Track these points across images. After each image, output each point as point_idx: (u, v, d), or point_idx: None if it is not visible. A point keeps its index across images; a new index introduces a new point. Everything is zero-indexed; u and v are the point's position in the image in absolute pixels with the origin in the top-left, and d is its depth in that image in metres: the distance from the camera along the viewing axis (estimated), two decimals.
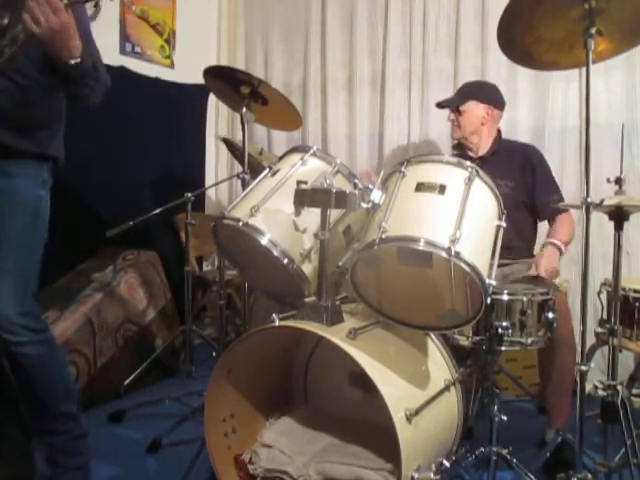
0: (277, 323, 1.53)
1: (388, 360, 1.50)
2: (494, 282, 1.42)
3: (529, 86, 2.91)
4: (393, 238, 1.41)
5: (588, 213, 1.50)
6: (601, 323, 2.03)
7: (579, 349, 1.71)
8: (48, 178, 1.65)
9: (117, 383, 2.58)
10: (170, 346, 2.85)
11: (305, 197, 1.52)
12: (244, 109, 2.16)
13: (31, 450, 1.78)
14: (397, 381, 1.48)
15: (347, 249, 1.70)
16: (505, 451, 1.74)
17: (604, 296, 2.04)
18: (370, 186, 1.51)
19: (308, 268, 1.64)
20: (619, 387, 1.60)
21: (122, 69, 3.08)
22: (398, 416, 1.36)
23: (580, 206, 1.51)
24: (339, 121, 3.38)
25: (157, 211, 2.53)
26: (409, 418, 1.39)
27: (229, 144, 2.97)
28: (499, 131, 2.43)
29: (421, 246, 1.38)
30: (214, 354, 2.71)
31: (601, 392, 1.61)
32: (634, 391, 2.35)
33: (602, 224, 2.43)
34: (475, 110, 2.34)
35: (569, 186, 2.76)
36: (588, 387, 1.56)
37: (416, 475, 1.37)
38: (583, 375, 1.52)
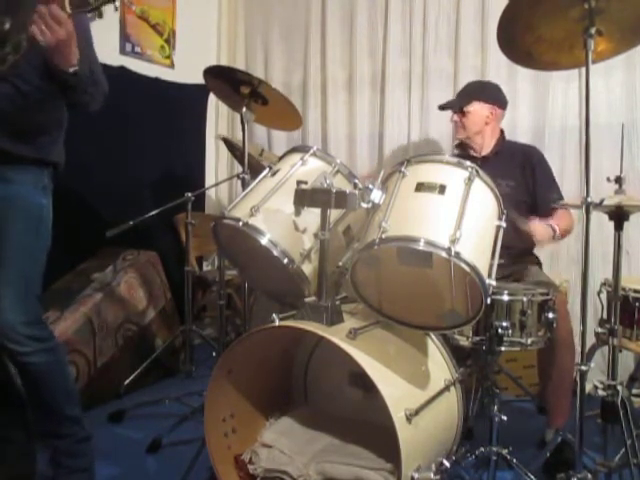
0: (277, 323, 1.53)
1: (388, 360, 1.50)
2: (494, 282, 1.42)
3: (529, 86, 2.91)
4: (393, 238, 1.41)
5: (588, 213, 1.50)
6: (601, 323, 2.03)
7: (579, 349, 1.71)
8: (49, 184, 1.65)
9: (117, 383, 2.58)
10: (170, 346, 2.85)
11: (305, 197, 1.52)
12: (244, 109, 2.16)
13: (32, 452, 1.78)
14: (397, 381, 1.48)
15: (347, 249, 1.70)
16: (505, 451, 1.74)
17: (604, 296, 2.04)
18: (370, 186, 1.51)
19: (308, 268, 1.64)
20: (619, 387, 1.60)
21: (122, 69, 3.08)
22: (398, 416, 1.36)
23: (580, 206, 1.51)
24: (339, 121, 3.38)
25: (157, 211, 2.54)
26: (409, 418, 1.39)
27: (229, 144, 2.97)
28: (502, 131, 2.43)
29: (421, 246, 1.38)
30: (214, 354, 2.71)
31: (601, 392, 1.61)
32: (634, 391, 2.35)
33: (602, 224, 2.43)
34: (479, 111, 2.34)
35: (569, 186, 2.76)
36: (588, 387, 1.56)
37: (416, 475, 1.37)
38: (583, 375, 1.52)
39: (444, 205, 1.48)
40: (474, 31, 3.00)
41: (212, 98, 3.56)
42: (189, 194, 2.61)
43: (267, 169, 1.79)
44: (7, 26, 1.40)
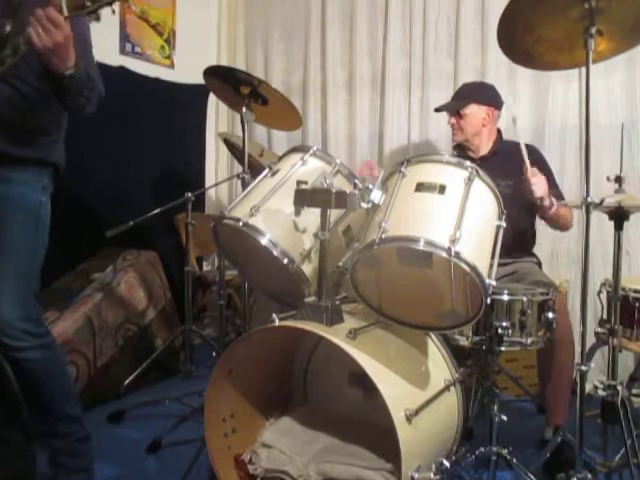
0: (277, 323, 1.53)
1: (388, 360, 1.50)
2: (494, 282, 1.42)
3: (529, 86, 2.90)
4: (393, 238, 1.41)
5: (588, 213, 1.50)
6: (601, 323, 2.03)
7: (579, 349, 1.71)
8: (48, 184, 1.65)
9: (117, 383, 2.57)
10: (170, 346, 2.84)
11: (305, 197, 1.52)
12: (244, 109, 2.16)
13: (31, 452, 1.78)
14: (397, 381, 1.48)
15: (347, 249, 1.70)
16: (505, 451, 1.74)
17: (604, 296, 2.04)
18: (370, 186, 1.51)
19: (308, 268, 1.64)
20: (619, 387, 1.60)
21: (122, 69, 3.08)
22: (398, 416, 1.36)
23: (580, 206, 1.51)
24: (339, 121, 3.38)
25: (157, 211, 2.54)
26: (409, 418, 1.39)
27: (229, 144, 2.97)
28: (499, 131, 2.43)
29: (421, 246, 1.38)
30: (214, 354, 2.71)
31: (601, 392, 1.61)
32: (634, 391, 2.35)
33: (602, 224, 2.44)
34: (477, 112, 2.33)
35: (569, 186, 2.76)
36: (588, 387, 1.56)
37: (416, 475, 1.37)
38: (583, 375, 1.52)
39: (444, 205, 1.48)
40: (474, 31, 3.00)
41: (212, 98, 3.56)
42: (189, 194, 2.61)
43: (267, 169, 1.79)
44: (7, 29, 1.40)
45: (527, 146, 2.43)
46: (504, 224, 1.57)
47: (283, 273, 1.63)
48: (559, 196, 2.23)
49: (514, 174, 2.27)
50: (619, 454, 1.66)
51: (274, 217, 1.63)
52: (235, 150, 2.91)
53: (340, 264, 1.66)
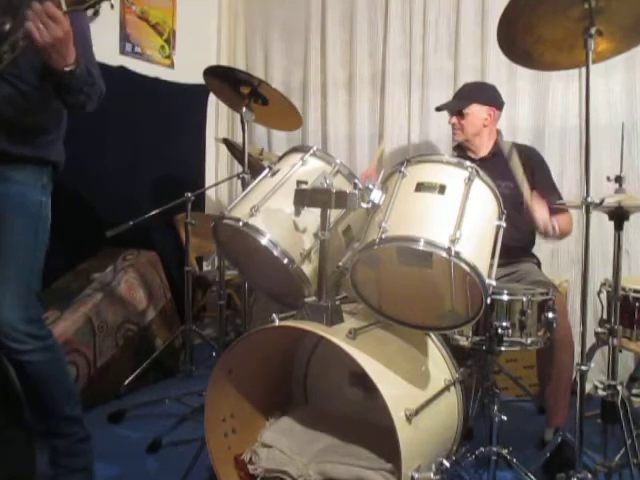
0: (277, 323, 1.53)
1: (388, 360, 1.50)
2: (494, 282, 1.42)
3: (529, 86, 2.90)
4: (393, 238, 1.41)
5: (588, 213, 1.50)
6: (601, 323, 2.03)
7: (578, 349, 1.71)
8: (48, 183, 1.65)
9: (117, 383, 2.58)
10: (170, 346, 2.85)
11: (305, 197, 1.52)
12: (244, 109, 2.16)
13: (32, 452, 1.78)
14: (397, 381, 1.49)
15: (347, 249, 1.70)
16: (505, 451, 1.74)
17: (604, 296, 2.04)
18: (370, 186, 1.51)
19: (308, 268, 1.64)
20: (619, 387, 1.60)
21: (122, 69, 3.08)
22: (398, 416, 1.36)
23: (580, 206, 1.51)
24: (339, 121, 3.38)
25: (157, 211, 2.54)
26: (409, 418, 1.39)
27: (229, 144, 2.97)
28: (499, 132, 2.43)
29: (421, 246, 1.38)
30: (214, 354, 2.71)
31: (601, 392, 1.61)
32: (634, 391, 2.35)
33: (602, 224, 2.44)
34: (478, 113, 2.33)
35: (569, 186, 2.76)
36: (588, 387, 1.56)
37: (416, 475, 1.37)
38: (583, 375, 1.52)
39: (444, 205, 1.48)
40: (474, 31, 3.00)
41: (212, 98, 3.56)
42: (189, 194, 2.61)
43: (267, 169, 1.79)
44: (7, 27, 1.40)
45: (527, 148, 2.45)
46: (504, 224, 1.57)
47: (283, 273, 1.63)
48: (557, 198, 2.23)
49: (514, 176, 2.28)
50: (619, 454, 1.66)
51: (274, 217, 1.63)
52: (235, 150, 2.91)
53: (340, 264, 1.66)
